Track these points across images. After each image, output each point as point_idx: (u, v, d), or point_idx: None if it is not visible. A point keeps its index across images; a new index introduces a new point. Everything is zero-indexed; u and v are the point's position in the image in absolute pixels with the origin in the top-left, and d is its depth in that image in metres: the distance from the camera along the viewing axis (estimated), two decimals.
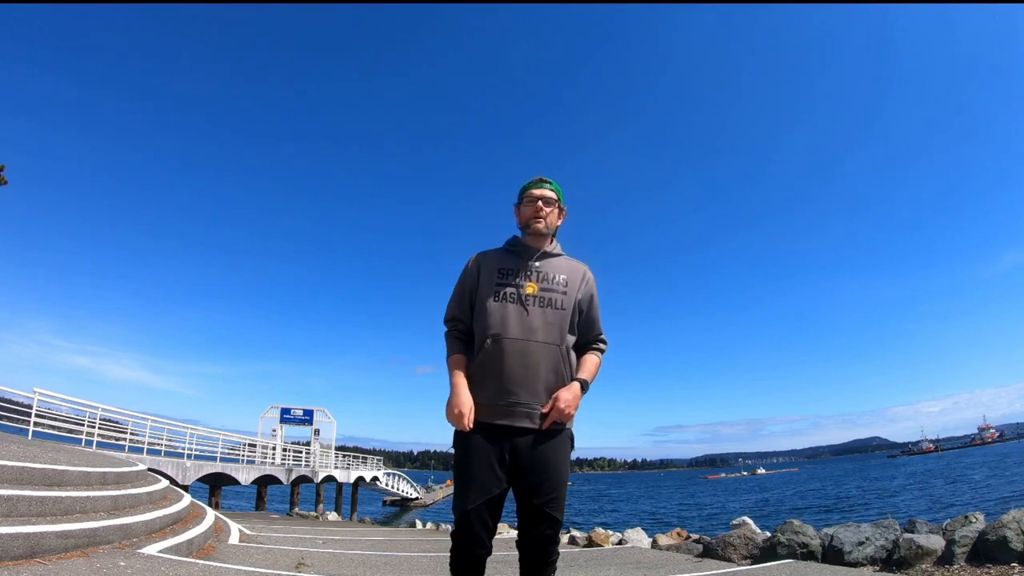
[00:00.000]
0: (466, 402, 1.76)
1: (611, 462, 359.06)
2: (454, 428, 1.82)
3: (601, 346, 2.01)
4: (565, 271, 1.93)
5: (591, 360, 1.96)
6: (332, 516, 19.47)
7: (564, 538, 8.27)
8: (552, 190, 1.96)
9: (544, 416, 1.78)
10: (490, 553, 1.75)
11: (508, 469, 1.76)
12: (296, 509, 20.26)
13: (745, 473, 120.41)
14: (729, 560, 5.42)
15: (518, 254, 1.94)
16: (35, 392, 10.95)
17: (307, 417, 27.30)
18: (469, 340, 1.92)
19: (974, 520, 4.77)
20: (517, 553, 1.85)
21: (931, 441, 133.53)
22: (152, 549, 3.53)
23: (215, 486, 16.95)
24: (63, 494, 3.56)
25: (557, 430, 1.81)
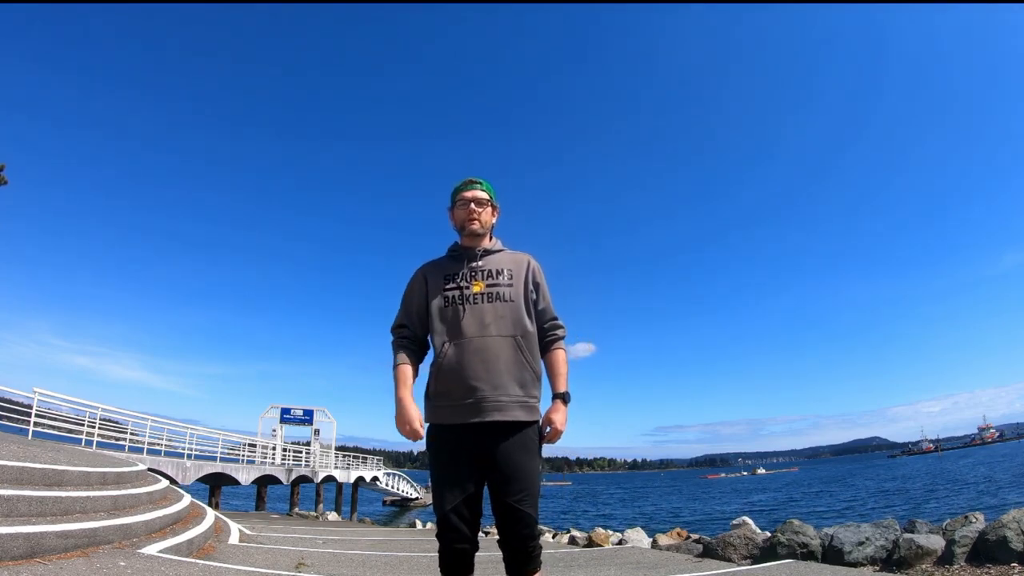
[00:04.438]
0: (415, 416, 1.82)
1: (611, 462, 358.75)
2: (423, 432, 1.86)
3: (559, 333, 2.00)
4: (508, 264, 1.95)
5: (560, 361, 1.97)
6: (332, 516, 19.48)
7: (564, 538, 8.27)
8: (483, 190, 1.99)
9: (517, 406, 1.80)
10: (477, 549, 1.77)
11: (480, 467, 1.78)
12: (296, 509, 20.26)
13: (745, 473, 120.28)
14: (729, 560, 5.42)
15: (459, 257, 1.96)
16: (35, 392, 10.95)
17: (307, 417, 27.27)
18: (416, 348, 1.96)
19: (974, 520, 4.78)
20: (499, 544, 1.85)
21: (931, 441, 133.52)
22: (152, 549, 3.53)
23: (215, 486, 16.94)
24: (63, 494, 3.56)
25: (525, 423, 1.82)
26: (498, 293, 1.88)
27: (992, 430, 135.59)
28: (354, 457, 30.31)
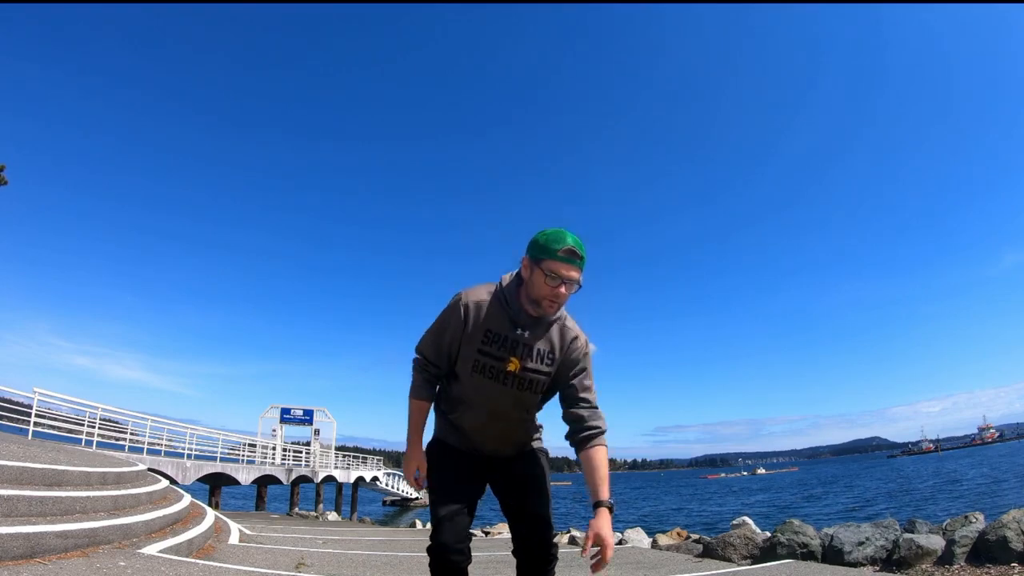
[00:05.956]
0: (422, 467, 1.82)
1: (611, 462, 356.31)
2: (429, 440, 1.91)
3: (601, 425, 1.72)
4: (554, 342, 1.73)
5: (602, 462, 1.69)
6: (332, 516, 19.50)
7: (564, 538, 8.26)
8: (582, 267, 1.63)
9: (525, 446, 1.90)
10: (470, 562, 1.72)
11: (485, 478, 1.82)
12: (296, 509, 20.27)
13: (745, 473, 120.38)
14: (729, 560, 5.43)
15: (510, 319, 1.69)
16: (35, 392, 10.95)
17: (307, 417, 27.30)
18: (436, 383, 1.89)
19: (974, 520, 4.78)
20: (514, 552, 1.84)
21: (931, 441, 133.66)
22: (152, 549, 3.52)
23: (215, 486, 16.95)
24: (63, 494, 3.56)
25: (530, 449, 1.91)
26: (530, 381, 1.72)
27: (992, 430, 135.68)
28: (354, 457, 30.34)
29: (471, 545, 1.72)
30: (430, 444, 1.88)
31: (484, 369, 1.70)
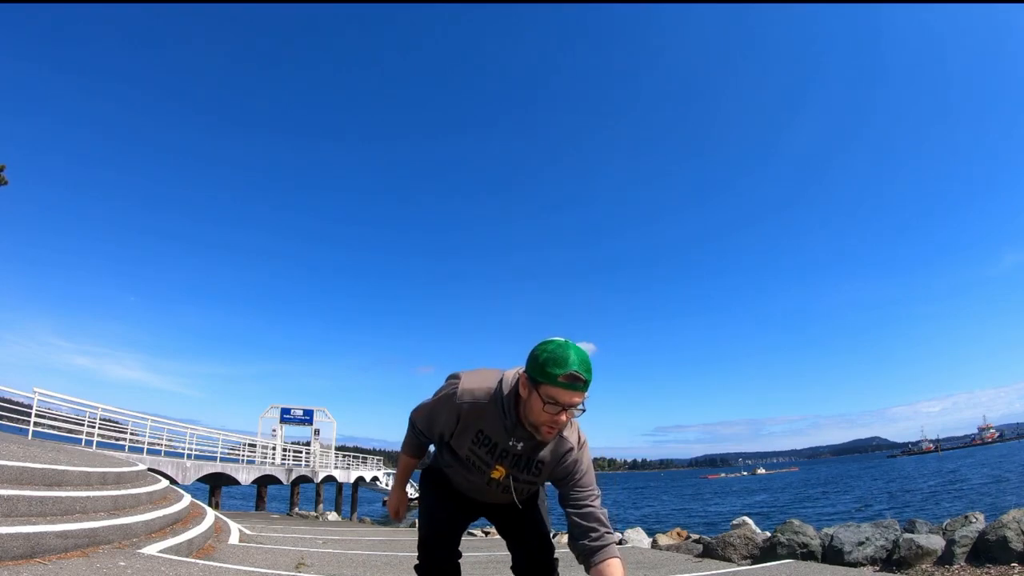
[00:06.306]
0: (403, 507, 1.96)
1: (611, 462, 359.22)
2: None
3: (609, 537, 1.54)
4: (546, 456, 1.62)
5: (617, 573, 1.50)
6: (332, 516, 19.52)
7: (564, 538, 8.28)
8: (585, 389, 1.46)
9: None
10: (459, 572, 1.77)
11: (479, 509, 1.84)
12: (296, 509, 20.28)
13: (745, 473, 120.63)
14: (729, 560, 5.43)
15: (505, 427, 1.57)
16: (35, 392, 10.95)
17: (307, 417, 27.35)
18: (427, 444, 1.89)
19: (974, 520, 4.78)
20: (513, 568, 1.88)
21: (931, 441, 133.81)
22: (152, 549, 3.52)
23: (215, 486, 16.95)
24: (63, 494, 3.56)
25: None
26: (515, 488, 1.67)
27: (992, 430, 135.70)
28: (354, 457, 30.41)
29: (470, 545, 1.75)
30: (426, 469, 1.89)
31: (472, 465, 1.66)
